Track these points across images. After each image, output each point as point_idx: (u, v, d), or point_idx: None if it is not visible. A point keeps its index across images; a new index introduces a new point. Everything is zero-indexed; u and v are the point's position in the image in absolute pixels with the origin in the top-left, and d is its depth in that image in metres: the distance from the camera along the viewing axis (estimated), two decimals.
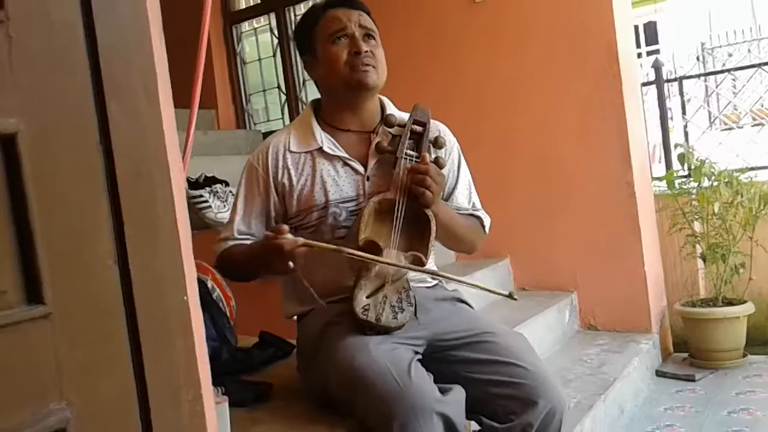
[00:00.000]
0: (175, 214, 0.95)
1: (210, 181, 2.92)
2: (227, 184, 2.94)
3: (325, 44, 1.56)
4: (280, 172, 1.58)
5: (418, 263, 1.42)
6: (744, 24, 7.82)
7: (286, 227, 1.36)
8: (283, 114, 4.47)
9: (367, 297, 1.38)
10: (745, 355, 2.89)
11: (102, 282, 0.80)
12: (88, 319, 0.78)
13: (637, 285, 2.96)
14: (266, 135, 4.28)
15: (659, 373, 2.86)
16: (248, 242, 1.58)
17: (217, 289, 1.85)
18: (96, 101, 0.82)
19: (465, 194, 1.68)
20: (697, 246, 3.11)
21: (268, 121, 4.71)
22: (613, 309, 3.02)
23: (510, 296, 1.37)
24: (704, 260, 3.05)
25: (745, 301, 2.90)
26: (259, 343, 1.87)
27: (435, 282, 1.59)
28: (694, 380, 2.75)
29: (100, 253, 0.80)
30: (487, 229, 1.72)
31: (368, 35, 1.57)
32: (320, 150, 1.57)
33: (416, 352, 1.42)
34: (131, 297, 0.84)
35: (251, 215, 1.59)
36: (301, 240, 1.35)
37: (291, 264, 1.33)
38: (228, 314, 1.86)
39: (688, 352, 3.00)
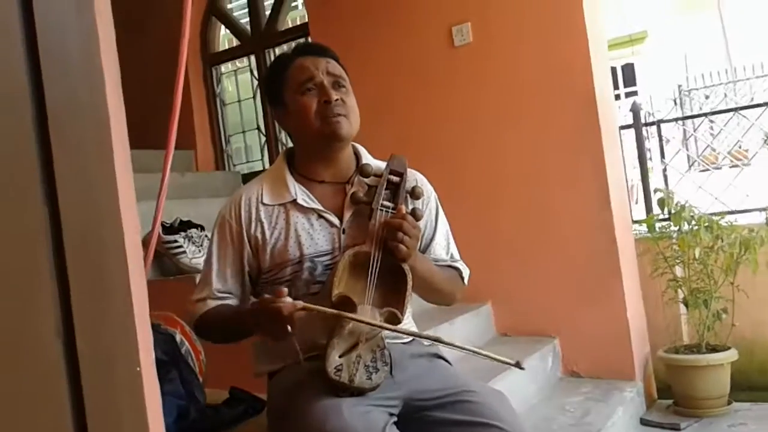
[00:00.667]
0: (129, 280, 0.89)
1: (185, 226, 2.85)
2: (203, 229, 2.88)
3: (293, 95, 1.52)
4: (253, 225, 1.53)
5: (394, 320, 1.37)
6: (719, 66, 7.98)
7: (285, 290, 1.31)
8: (262, 155, 4.44)
9: (340, 356, 1.32)
10: (729, 403, 2.84)
11: (44, 359, 0.74)
12: (27, 401, 0.72)
13: (619, 331, 2.92)
14: (246, 176, 4.24)
15: (644, 422, 2.80)
16: (229, 302, 1.53)
17: (186, 343, 1.77)
18: (41, 158, 0.77)
19: (443, 245, 1.64)
20: (679, 291, 3.08)
21: (248, 162, 4.67)
22: (595, 355, 2.96)
23: (518, 365, 1.32)
24: (686, 305, 3.02)
25: (728, 348, 2.86)
26: (229, 399, 1.79)
27: (411, 338, 1.53)
28: (679, 429, 2.69)
29: (42, 326, 0.74)
30: (465, 281, 1.67)
31: (337, 83, 1.54)
32: (294, 202, 1.52)
33: (392, 414, 1.35)
34: (77, 374, 0.78)
35: (226, 271, 1.53)
36: (300, 304, 1.30)
37: (289, 328, 1.28)
38: (197, 369, 1.78)
39: (673, 399, 2.94)
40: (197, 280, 1.62)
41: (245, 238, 1.52)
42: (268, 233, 1.51)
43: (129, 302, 0.89)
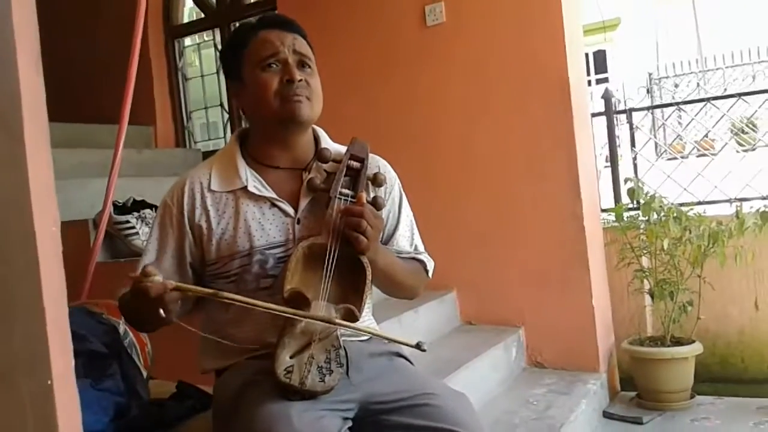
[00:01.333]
0: (40, 279, 0.77)
1: (138, 206, 2.72)
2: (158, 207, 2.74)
3: (253, 70, 1.39)
4: (197, 212, 1.41)
5: (351, 317, 1.27)
6: (690, 56, 8.00)
7: (151, 268, 1.19)
8: (225, 132, 4.30)
9: (291, 357, 1.22)
10: (692, 396, 2.83)
11: None
12: None
13: (585, 321, 2.88)
14: (206, 154, 4.09)
15: (606, 415, 2.77)
16: None
17: (130, 334, 1.66)
18: None
19: (407, 236, 1.54)
20: (645, 281, 3.05)
21: (209, 139, 4.52)
22: (560, 346, 2.92)
23: (418, 347, 1.24)
24: (652, 296, 2.99)
25: (693, 341, 2.84)
26: (175, 394, 1.69)
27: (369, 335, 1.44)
28: (641, 423, 2.67)
29: None
30: (430, 274, 1.58)
31: (303, 62, 1.42)
32: (245, 189, 1.40)
33: (346, 419, 1.26)
34: None
35: (163, 259, 1.41)
36: (171, 283, 1.18)
37: (162, 312, 1.17)
38: (142, 362, 1.67)
39: (636, 392, 2.92)
40: None
41: (187, 227, 1.41)
42: (214, 222, 1.39)
43: (39, 307, 0.78)
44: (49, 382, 0.78)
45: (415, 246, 1.56)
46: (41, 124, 0.85)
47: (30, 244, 0.77)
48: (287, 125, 1.39)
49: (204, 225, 1.40)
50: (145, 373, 1.68)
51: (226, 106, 4.24)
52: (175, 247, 1.41)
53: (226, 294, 1.21)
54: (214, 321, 1.41)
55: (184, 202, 1.41)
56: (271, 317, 1.24)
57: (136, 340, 1.68)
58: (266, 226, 1.38)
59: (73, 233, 2.64)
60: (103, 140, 3.38)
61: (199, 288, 1.24)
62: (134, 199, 2.75)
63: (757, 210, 2.85)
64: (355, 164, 1.40)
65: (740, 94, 3.53)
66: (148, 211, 2.71)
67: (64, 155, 3.33)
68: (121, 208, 2.69)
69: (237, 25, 4.14)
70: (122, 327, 1.65)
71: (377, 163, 1.51)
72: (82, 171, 3.23)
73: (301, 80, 1.38)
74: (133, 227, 2.64)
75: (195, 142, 4.41)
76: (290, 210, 1.39)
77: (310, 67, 1.43)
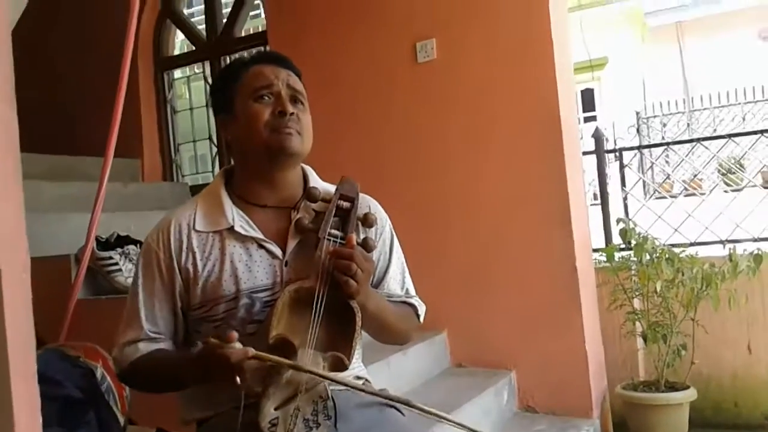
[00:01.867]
0: (5, 325, 0.72)
1: (122, 241, 2.65)
2: (142, 245, 2.68)
3: (245, 101, 1.36)
4: (183, 255, 1.35)
5: (340, 365, 1.21)
6: (677, 95, 8.10)
7: (235, 334, 1.15)
8: (213, 166, 4.25)
9: (276, 408, 1.15)
10: None
11: None
12: None
13: (577, 364, 2.82)
14: (194, 188, 4.04)
15: None
16: (162, 345, 1.35)
17: (108, 379, 1.58)
18: None
19: (398, 279, 1.49)
20: (637, 324, 3.00)
21: (197, 173, 4.47)
22: (552, 390, 2.85)
23: (407, 404, 1.20)
24: (645, 339, 2.94)
25: (687, 386, 2.79)
26: None
27: (360, 381, 1.38)
28: None
29: None
30: (421, 318, 1.53)
31: (296, 98, 1.39)
32: (231, 230, 1.35)
33: None
34: None
35: (156, 308, 1.35)
36: (251, 351, 1.14)
37: (238, 380, 1.13)
38: (119, 408, 1.59)
39: None
40: None
41: (176, 270, 1.34)
42: (200, 265, 1.33)
43: (3, 357, 0.72)
44: None
45: (407, 290, 1.51)
46: (13, 161, 0.79)
47: None
48: (276, 158, 1.35)
49: (190, 268, 1.34)
50: (122, 420, 1.60)
51: (215, 139, 4.20)
52: (166, 294, 1.35)
53: (302, 367, 1.17)
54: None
55: (171, 246, 1.35)
56: (257, 365, 1.18)
57: (114, 385, 1.60)
58: (253, 269, 1.32)
59: (54, 268, 2.56)
60: (89, 173, 3.32)
61: (278, 358, 1.17)
62: (118, 235, 2.68)
63: (751, 253, 2.83)
64: (345, 204, 1.36)
65: (731, 135, 3.54)
66: (132, 246, 2.64)
67: (47, 188, 3.27)
68: (104, 244, 2.62)
69: (228, 58, 4.14)
70: (99, 371, 1.58)
71: (368, 203, 1.46)
72: (65, 204, 3.16)
73: (293, 114, 1.35)
74: (116, 263, 2.57)
75: (183, 176, 4.35)
76: (278, 251, 1.34)
77: (302, 103, 1.40)
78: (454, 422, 1.23)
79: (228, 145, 1.45)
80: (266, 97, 1.35)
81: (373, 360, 2.33)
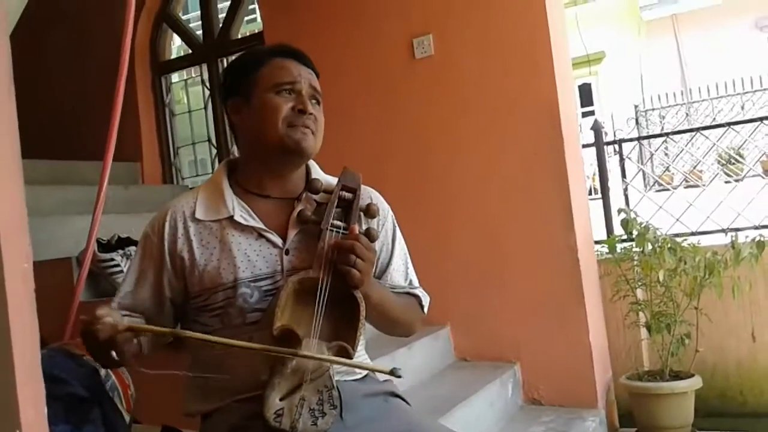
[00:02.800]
0: (8, 322, 0.72)
1: (123, 243, 2.66)
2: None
3: (265, 92, 1.36)
4: (179, 242, 1.35)
5: (344, 355, 1.21)
6: (675, 88, 8.09)
7: (101, 311, 1.15)
8: (213, 168, 4.25)
9: (281, 399, 1.15)
10: (694, 431, 2.76)
11: None
12: None
13: (582, 356, 2.81)
14: None
15: None
16: None
17: (113, 377, 1.58)
18: None
19: (401, 271, 1.49)
20: (641, 314, 3.00)
21: (197, 175, 4.47)
22: (557, 382, 2.85)
23: (393, 373, 1.17)
24: (649, 330, 2.93)
25: (692, 375, 2.78)
26: None
27: (365, 373, 1.37)
28: None
29: None
30: (425, 309, 1.52)
31: (315, 98, 1.40)
32: (231, 219, 1.35)
33: None
34: None
35: (141, 291, 1.36)
36: (123, 324, 1.14)
37: (114, 355, 1.14)
38: (125, 406, 1.59)
39: (636, 428, 2.85)
40: None
41: (166, 257, 1.35)
42: (197, 253, 1.34)
43: (8, 352, 0.72)
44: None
45: (410, 281, 1.51)
46: (11, 146, 0.79)
47: None
48: (287, 154, 1.35)
49: (186, 256, 1.34)
50: (128, 418, 1.59)
51: (215, 142, 4.20)
52: (153, 279, 1.36)
53: (187, 333, 1.16)
54: (201, 357, 1.35)
55: (165, 233, 1.36)
56: (263, 356, 1.18)
57: (119, 383, 1.59)
58: (252, 258, 1.32)
59: (56, 271, 2.56)
60: (89, 177, 3.32)
61: (154, 327, 1.18)
62: (119, 237, 2.69)
63: (753, 239, 2.82)
64: (347, 195, 1.36)
65: (730, 124, 3.53)
66: (133, 248, 2.64)
67: (48, 192, 3.27)
68: (105, 246, 2.62)
69: (225, 60, 4.14)
70: (103, 369, 1.57)
71: (369, 194, 1.46)
72: (66, 208, 3.17)
73: (311, 114, 1.36)
74: (118, 265, 2.57)
75: (183, 179, 4.36)
76: (278, 241, 1.34)
77: (319, 105, 1.42)
78: (358, 365, 1.27)
79: (234, 131, 1.45)
80: (288, 93, 1.36)
81: (377, 355, 2.33)
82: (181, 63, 4.46)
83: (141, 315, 1.36)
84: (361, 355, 1.43)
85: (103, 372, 1.57)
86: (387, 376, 1.38)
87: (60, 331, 2.16)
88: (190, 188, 4.13)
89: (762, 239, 2.80)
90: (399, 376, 1.18)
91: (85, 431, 1.41)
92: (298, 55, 1.42)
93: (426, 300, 1.52)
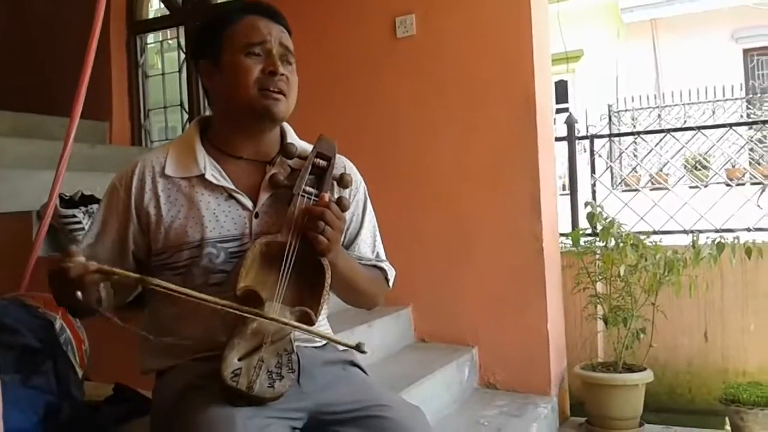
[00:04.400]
0: None
1: (86, 200, 2.60)
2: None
3: (234, 53, 1.31)
4: (146, 197, 1.32)
5: (306, 321, 1.20)
6: (648, 90, 8.20)
7: (76, 249, 1.13)
8: (186, 129, 4.18)
9: (240, 359, 1.14)
10: (641, 424, 2.82)
11: None
12: None
13: (539, 344, 2.86)
14: None
15: None
16: None
17: (67, 331, 1.56)
18: None
19: (369, 243, 1.48)
20: (599, 307, 3.05)
21: (167, 139, 4.39)
22: (513, 368, 2.89)
23: (358, 348, 1.17)
24: (606, 322, 2.99)
25: (644, 368, 2.85)
26: (112, 397, 1.59)
27: (324, 341, 1.37)
28: None
29: None
30: (390, 283, 1.52)
31: (286, 57, 1.35)
32: (201, 177, 1.32)
33: (294, 429, 1.19)
34: None
35: (102, 242, 1.33)
36: (93, 265, 1.12)
37: (79, 295, 1.11)
38: (78, 361, 1.57)
39: (586, 418, 2.91)
40: None
41: (132, 211, 1.32)
42: (164, 209, 1.31)
43: None
44: None
45: (377, 253, 1.51)
46: None
47: None
48: (259, 118, 1.33)
49: (153, 211, 1.32)
50: (80, 373, 1.57)
51: (187, 107, 4.13)
52: (117, 231, 1.33)
53: (155, 280, 1.13)
54: (158, 316, 1.33)
55: (132, 186, 1.33)
56: (222, 315, 1.16)
57: (73, 337, 1.57)
58: (221, 218, 1.30)
59: (16, 225, 2.51)
60: (55, 133, 3.24)
61: (123, 271, 1.16)
62: (82, 194, 2.63)
63: (713, 241, 2.89)
64: (322, 162, 1.34)
65: (700, 127, 3.60)
66: (96, 206, 2.59)
67: (10, 144, 3.18)
68: (68, 202, 2.57)
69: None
70: (59, 322, 1.55)
71: (344, 164, 1.45)
72: (30, 162, 3.09)
73: (283, 74, 1.32)
74: (80, 222, 2.52)
75: (152, 142, 4.28)
76: (248, 203, 1.32)
77: (291, 63, 1.37)
78: (325, 337, 1.25)
79: (207, 92, 1.42)
80: (257, 54, 1.32)
81: (337, 330, 2.29)
82: (158, 23, 4.36)
83: None
84: (323, 325, 1.42)
85: (57, 325, 1.55)
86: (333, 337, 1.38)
87: (16, 282, 2.12)
88: None
89: (722, 241, 2.87)
90: (364, 352, 1.19)
91: (35, 382, 1.39)
92: (268, 12, 1.37)
93: (391, 273, 1.51)
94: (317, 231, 1.22)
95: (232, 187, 1.32)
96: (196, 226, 1.29)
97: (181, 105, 4.17)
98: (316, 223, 1.22)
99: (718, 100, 6.37)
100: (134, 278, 1.15)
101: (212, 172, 1.33)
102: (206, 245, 1.28)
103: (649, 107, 6.93)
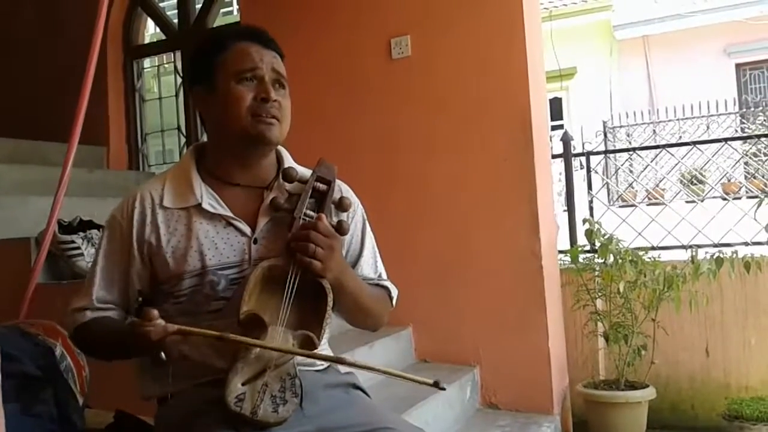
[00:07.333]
0: None
1: (85, 226, 2.60)
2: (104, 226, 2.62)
3: (227, 80, 1.32)
4: (147, 229, 1.32)
5: (309, 345, 1.20)
6: (642, 106, 8.26)
7: (154, 312, 1.15)
8: (181, 158, 4.19)
9: (244, 384, 1.14)
10: None
11: None
12: None
13: (540, 363, 2.84)
14: None
15: None
16: (110, 314, 1.34)
17: (68, 358, 1.55)
18: None
19: (370, 263, 1.48)
20: (599, 324, 3.05)
21: (164, 163, 4.40)
22: (515, 387, 2.88)
23: (436, 386, 1.16)
24: (607, 339, 2.98)
25: (647, 386, 2.84)
26: (112, 424, 1.57)
27: (326, 364, 1.36)
28: None
29: None
30: (394, 302, 1.52)
31: (279, 82, 1.36)
32: (199, 207, 1.32)
33: None
34: None
35: (113, 279, 1.33)
36: (173, 327, 1.14)
37: (163, 356, 1.15)
38: (79, 388, 1.56)
39: None
40: None
41: (134, 243, 1.33)
42: (164, 240, 1.31)
43: None
44: None
45: (379, 273, 1.50)
46: None
47: None
48: (253, 144, 1.33)
49: (154, 242, 1.32)
50: (81, 400, 1.56)
51: (184, 131, 4.15)
52: (123, 266, 1.34)
53: (234, 336, 1.15)
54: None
55: (134, 218, 1.33)
56: (181, 340, 1.18)
57: (74, 364, 1.56)
58: (220, 246, 1.30)
59: (14, 252, 2.50)
60: (53, 158, 3.26)
61: (202, 330, 1.17)
62: (81, 219, 2.63)
63: (712, 255, 2.89)
64: (322, 186, 1.34)
65: (695, 143, 3.61)
66: (95, 231, 2.59)
67: (9, 171, 3.19)
68: (66, 228, 2.56)
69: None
70: (59, 349, 1.54)
71: (340, 188, 1.45)
72: (27, 188, 3.09)
73: (275, 100, 1.32)
74: (78, 248, 2.51)
75: (149, 166, 4.29)
76: (247, 229, 1.32)
77: (284, 88, 1.37)
78: (402, 376, 1.21)
79: (202, 119, 1.43)
80: (249, 80, 1.32)
81: (339, 351, 2.30)
82: (154, 48, 4.39)
83: (114, 307, 1.35)
84: (324, 349, 1.41)
85: (58, 352, 1.54)
86: (348, 368, 1.37)
87: (15, 310, 2.11)
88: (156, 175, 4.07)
89: (721, 256, 2.87)
90: (442, 388, 1.18)
91: (36, 410, 1.38)
92: (260, 38, 1.38)
93: (395, 292, 1.51)
94: (307, 254, 1.22)
95: (230, 214, 1.32)
96: (196, 254, 1.29)
97: (179, 128, 4.19)
98: (304, 246, 1.22)
99: (712, 115, 6.42)
100: (214, 335, 1.16)
101: (209, 200, 1.33)
102: (207, 273, 1.28)
103: (644, 123, 6.97)
